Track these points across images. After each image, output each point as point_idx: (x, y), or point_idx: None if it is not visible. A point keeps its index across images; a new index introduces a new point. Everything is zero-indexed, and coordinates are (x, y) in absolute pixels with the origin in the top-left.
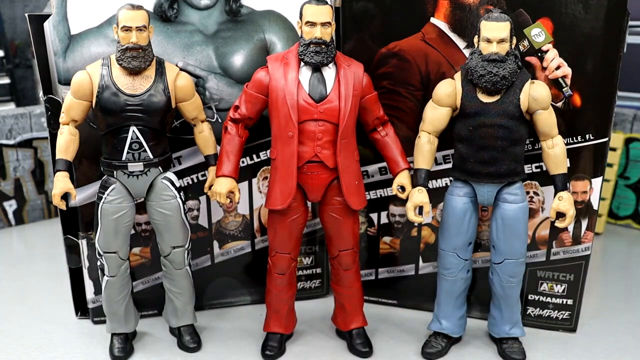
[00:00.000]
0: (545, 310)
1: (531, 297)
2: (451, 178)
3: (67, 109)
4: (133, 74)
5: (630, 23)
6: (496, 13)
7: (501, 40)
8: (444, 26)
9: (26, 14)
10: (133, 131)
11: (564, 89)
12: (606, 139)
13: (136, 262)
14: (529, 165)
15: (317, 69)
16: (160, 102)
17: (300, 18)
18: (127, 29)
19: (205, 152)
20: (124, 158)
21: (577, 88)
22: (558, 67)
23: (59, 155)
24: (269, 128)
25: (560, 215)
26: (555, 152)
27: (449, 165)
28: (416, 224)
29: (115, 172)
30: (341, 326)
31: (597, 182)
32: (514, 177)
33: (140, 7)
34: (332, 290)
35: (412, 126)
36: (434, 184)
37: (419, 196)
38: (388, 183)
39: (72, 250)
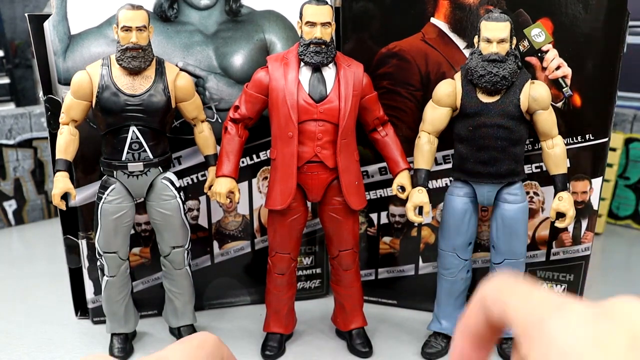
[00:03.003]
0: None
1: None
2: (451, 178)
3: (67, 109)
4: (133, 74)
5: (630, 23)
6: (496, 13)
7: (501, 41)
8: (444, 26)
9: (26, 14)
10: (133, 131)
11: (564, 89)
12: (606, 139)
13: (136, 262)
14: (529, 165)
15: (317, 69)
16: (160, 102)
17: (300, 18)
18: (127, 29)
19: (205, 152)
20: (124, 158)
21: (577, 88)
22: (558, 67)
23: (58, 155)
24: (269, 128)
25: (560, 215)
26: (555, 152)
27: (449, 165)
28: (416, 224)
29: (115, 172)
30: (341, 326)
31: (597, 182)
32: (513, 177)
33: (140, 7)
34: (332, 290)
35: (412, 126)
36: (434, 184)
37: (419, 196)
38: (388, 183)
39: (72, 250)
